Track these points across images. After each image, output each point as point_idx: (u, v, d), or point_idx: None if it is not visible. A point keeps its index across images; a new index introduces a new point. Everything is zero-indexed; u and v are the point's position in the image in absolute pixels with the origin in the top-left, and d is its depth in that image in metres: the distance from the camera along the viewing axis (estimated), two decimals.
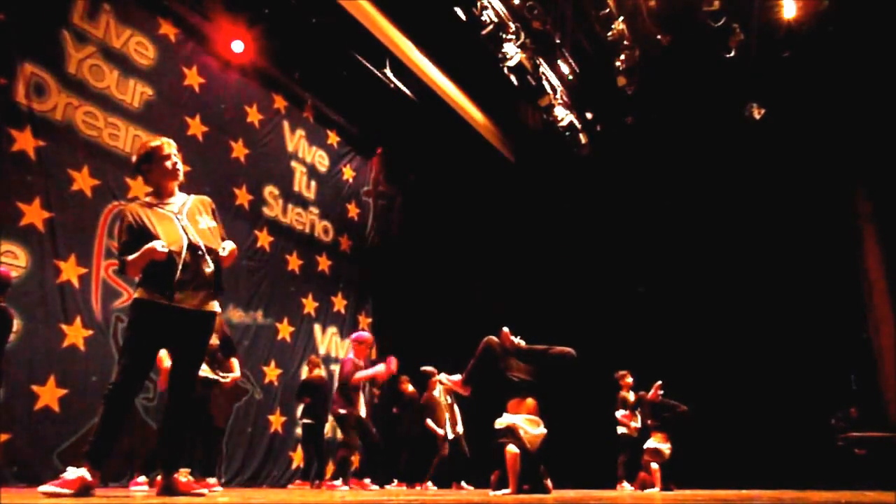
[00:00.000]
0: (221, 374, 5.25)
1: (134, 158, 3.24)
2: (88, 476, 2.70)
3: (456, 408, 7.75)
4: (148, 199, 3.17)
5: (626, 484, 7.56)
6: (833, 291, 8.89)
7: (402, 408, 7.91)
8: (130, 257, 2.94)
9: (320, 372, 7.27)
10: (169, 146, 3.18)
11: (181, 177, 3.22)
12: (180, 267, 2.97)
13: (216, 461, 5.41)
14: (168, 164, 3.15)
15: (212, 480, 5.16)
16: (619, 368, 8.29)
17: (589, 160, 9.41)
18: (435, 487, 7.19)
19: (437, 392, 7.57)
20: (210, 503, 2.74)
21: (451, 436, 7.52)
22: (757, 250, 9.40)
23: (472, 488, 7.44)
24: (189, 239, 3.04)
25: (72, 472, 2.68)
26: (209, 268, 3.06)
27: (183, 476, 3.15)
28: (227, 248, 3.16)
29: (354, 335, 6.74)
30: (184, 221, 3.09)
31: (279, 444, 7.58)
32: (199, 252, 3.04)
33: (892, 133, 8.14)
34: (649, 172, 9.90)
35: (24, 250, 5.32)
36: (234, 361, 5.45)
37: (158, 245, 2.90)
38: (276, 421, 7.63)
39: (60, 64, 5.82)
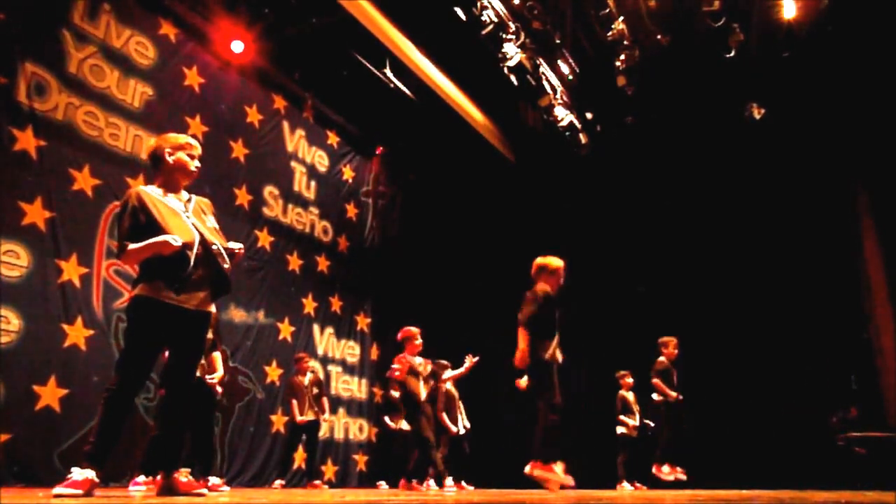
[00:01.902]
0: (208, 376, 5.25)
1: (158, 146, 3.16)
2: (95, 477, 2.70)
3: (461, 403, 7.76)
4: (155, 189, 3.11)
5: (625, 484, 7.56)
6: (833, 292, 8.89)
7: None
8: (135, 245, 2.87)
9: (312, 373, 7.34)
10: (196, 148, 3.22)
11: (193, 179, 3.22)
12: (192, 264, 2.94)
13: (213, 460, 5.43)
14: (192, 164, 3.17)
15: (217, 480, 5.16)
16: (619, 368, 8.30)
17: (589, 160, 9.41)
18: (437, 487, 7.18)
19: (451, 385, 7.60)
20: (210, 503, 2.74)
21: (461, 431, 7.50)
22: (757, 250, 9.40)
23: (472, 488, 7.45)
24: (202, 235, 3.02)
25: (78, 473, 2.67)
26: (226, 263, 3.05)
27: (183, 476, 3.15)
28: (237, 247, 3.17)
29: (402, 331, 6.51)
30: (192, 219, 3.06)
31: (281, 444, 7.59)
32: (214, 247, 3.03)
33: (893, 133, 8.14)
34: (649, 172, 9.90)
35: (25, 250, 5.33)
36: (217, 356, 5.43)
37: (172, 239, 2.85)
38: (278, 421, 7.63)
39: (61, 64, 5.83)
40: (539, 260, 4.93)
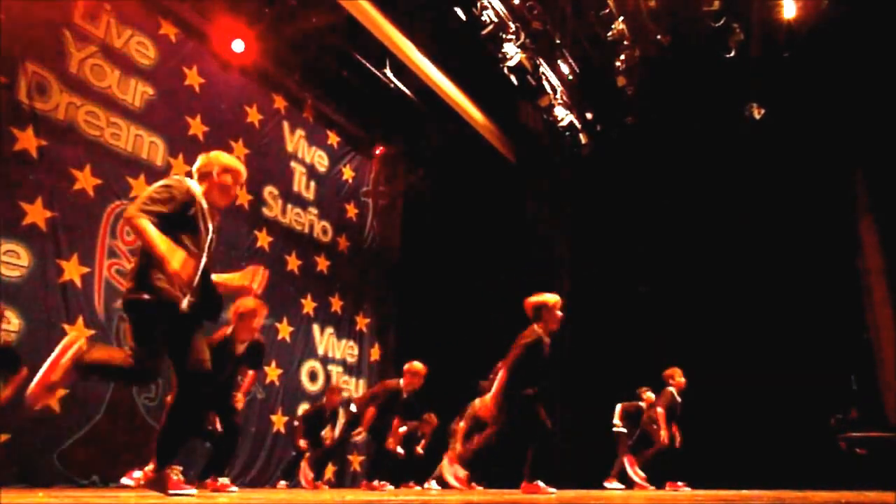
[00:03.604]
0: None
1: (208, 165, 3.08)
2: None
3: None
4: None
5: (615, 482, 7.56)
6: (833, 292, 8.89)
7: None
8: (165, 243, 2.75)
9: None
10: (241, 175, 3.17)
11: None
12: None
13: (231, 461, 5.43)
14: (235, 190, 3.14)
15: (225, 480, 5.15)
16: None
17: (589, 160, 9.41)
18: (438, 487, 7.18)
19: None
20: (209, 503, 2.74)
21: None
22: (757, 250, 9.40)
23: (481, 488, 7.44)
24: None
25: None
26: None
27: (174, 474, 3.14)
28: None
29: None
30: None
31: (282, 444, 7.58)
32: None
33: (893, 132, 8.14)
34: (649, 172, 9.90)
35: (26, 250, 5.33)
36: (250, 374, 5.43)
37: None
38: (279, 421, 7.63)
39: (62, 63, 5.83)
40: (535, 299, 4.83)
